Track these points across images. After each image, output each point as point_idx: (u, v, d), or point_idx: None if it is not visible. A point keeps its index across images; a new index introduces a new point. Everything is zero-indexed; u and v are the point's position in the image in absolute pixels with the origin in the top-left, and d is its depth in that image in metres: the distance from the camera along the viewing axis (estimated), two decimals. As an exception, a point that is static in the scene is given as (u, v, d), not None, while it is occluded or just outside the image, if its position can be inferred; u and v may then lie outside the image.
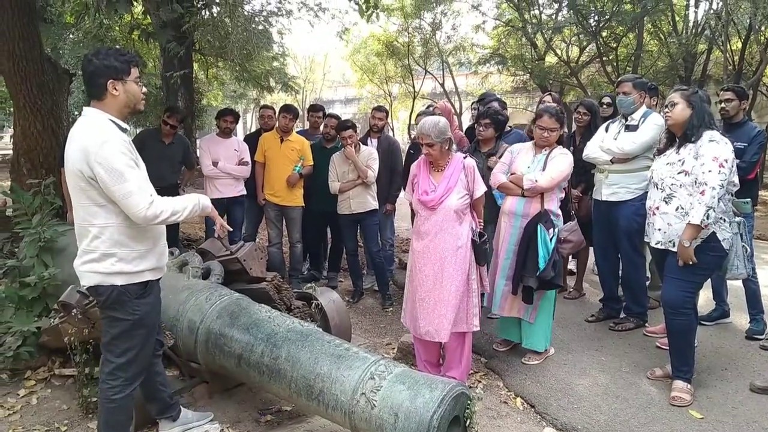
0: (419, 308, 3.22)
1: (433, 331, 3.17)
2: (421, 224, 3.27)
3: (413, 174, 3.38)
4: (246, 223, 5.57)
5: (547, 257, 3.39)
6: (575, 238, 4.13)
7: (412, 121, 18.09)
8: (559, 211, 3.63)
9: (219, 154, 5.17)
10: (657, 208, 3.24)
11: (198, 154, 6.12)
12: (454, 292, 3.14)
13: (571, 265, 5.35)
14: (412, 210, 3.58)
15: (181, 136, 5.45)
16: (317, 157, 5.21)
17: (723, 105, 3.98)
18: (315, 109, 5.95)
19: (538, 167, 3.57)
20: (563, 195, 3.80)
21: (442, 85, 21.76)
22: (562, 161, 3.54)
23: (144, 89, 2.40)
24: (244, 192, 5.33)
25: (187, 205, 2.36)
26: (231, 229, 2.76)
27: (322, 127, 5.54)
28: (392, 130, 21.23)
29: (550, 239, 3.41)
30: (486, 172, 4.15)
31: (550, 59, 16.75)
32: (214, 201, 5.08)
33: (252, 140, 5.45)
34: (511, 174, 3.66)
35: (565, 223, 3.92)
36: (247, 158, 5.26)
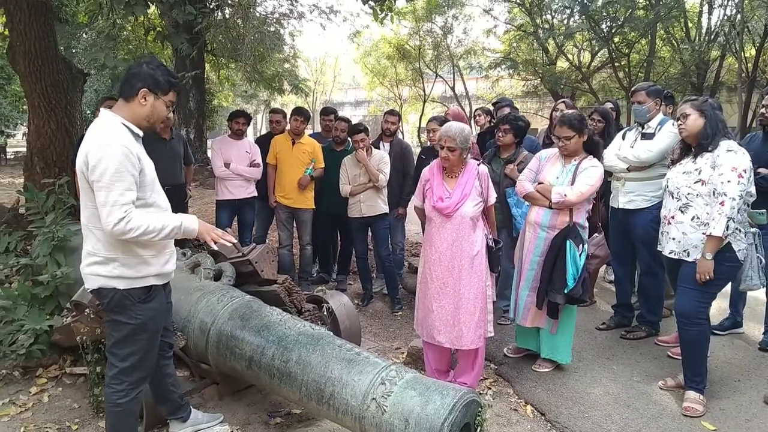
0: (437, 317, 3.20)
1: (454, 339, 3.17)
2: (435, 232, 3.22)
3: (425, 179, 3.35)
4: (256, 225, 5.58)
5: (576, 275, 3.30)
6: (602, 253, 4.03)
7: (423, 125, 18.05)
8: (586, 223, 3.51)
9: (231, 155, 5.18)
10: (672, 218, 3.21)
11: (209, 155, 6.12)
12: (473, 300, 3.14)
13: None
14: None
15: (177, 131, 5.41)
16: (327, 160, 5.21)
17: (763, 111, 3.76)
18: (326, 112, 5.91)
19: (567, 178, 3.42)
20: (591, 206, 3.65)
21: (453, 88, 21.78)
22: (592, 174, 3.37)
23: (172, 116, 2.41)
24: (255, 194, 5.34)
25: (167, 224, 2.23)
26: (235, 241, 2.60)
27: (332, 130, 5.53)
28: (402, 133, 21.25)
29: (579, 255, 3.32)
30: (503, 179, 4.14)
31: (562, 64, 16.74)
32: (224, 202, 5.23)
33: (263, 142, 5.46)
34: (539, 183, 3.53)
35: (590, 234, 3.79)
36: (259, 160, 5.27)
